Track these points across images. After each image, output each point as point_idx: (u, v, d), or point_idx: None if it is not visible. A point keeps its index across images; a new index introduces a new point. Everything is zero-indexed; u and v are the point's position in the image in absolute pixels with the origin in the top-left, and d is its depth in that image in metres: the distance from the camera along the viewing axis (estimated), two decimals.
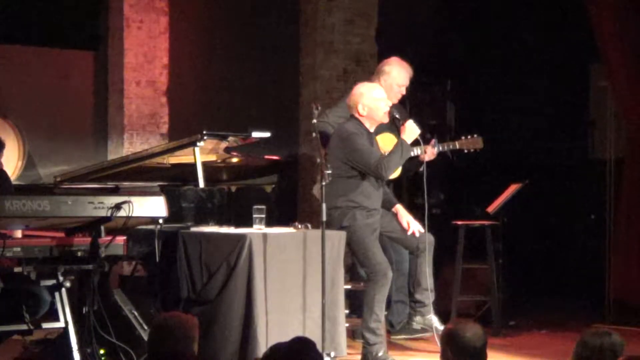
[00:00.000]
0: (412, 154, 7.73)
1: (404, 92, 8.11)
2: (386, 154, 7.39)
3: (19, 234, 6.15)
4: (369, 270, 7.37)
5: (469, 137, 8.22)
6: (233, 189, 7.64)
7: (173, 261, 6.85)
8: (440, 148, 8.11)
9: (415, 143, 7.66)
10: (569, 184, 10.73)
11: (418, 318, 7.75)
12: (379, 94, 7.48)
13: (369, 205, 7.42)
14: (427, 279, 7.68)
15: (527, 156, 10.80)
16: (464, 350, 4.65)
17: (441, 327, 7.54)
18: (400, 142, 7.40)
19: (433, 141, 8.05)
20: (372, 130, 7.51)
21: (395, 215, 7.73)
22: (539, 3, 10.77)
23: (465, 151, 8.25)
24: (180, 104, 10.32)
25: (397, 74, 8.05)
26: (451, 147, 8.22)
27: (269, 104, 10.37)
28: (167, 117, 10.28)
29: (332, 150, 7.45)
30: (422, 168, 7.90)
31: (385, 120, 7.53)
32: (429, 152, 8.00)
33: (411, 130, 7.45)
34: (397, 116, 7.64)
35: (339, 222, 7.27)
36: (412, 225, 7.68)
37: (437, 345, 6.89)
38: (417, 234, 7.67)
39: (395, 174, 7.85)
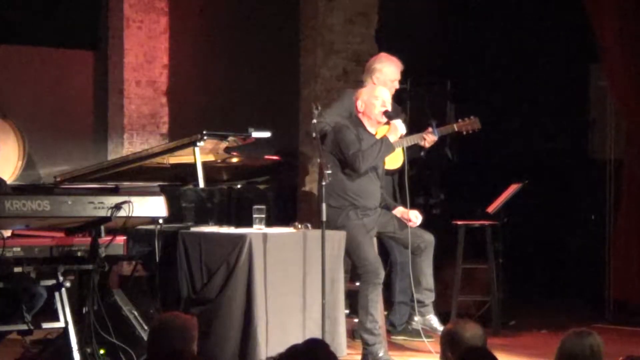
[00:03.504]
0: (411, 142, 7.78)
1: (397, 86, 8.14)
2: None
3: (8, 233, 6.13)
4: (361, 270, 7.37)
5: (466, 119, 8.25)
6: (233, 189, 7.65)
7: (173, 261, 6.85)
8: (439, 133, 8.13)
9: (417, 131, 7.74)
10: (569, 184, 10.72)
11: (418, 318, 7.74)
12: (379, 93, 7.51)
13: (364, 205, 7.43)
14: (427, 278, 7.68)
15: (527, 156, 10.80)
16: (464, 350, 4.64)
17: (441, 328, 7.52)
18: (382, 139, 7.44)
19: (431, 127, 8.06)
20: (371, 129, 7.52)
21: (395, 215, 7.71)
22: (538, 3, 10.76)
23: (464, 133, 8.26)
24: (180, 104, 10.31)
25: (388, 70, 8.11)
26: (449, 130, 8.25)
27: (269, 104, 10.36)
28: (167, 117, 10.28)
29: (327, 144, 7.50)
30: (423, 153, 7.98)
31: (382, 120, 7.53)
32: (429, 139, 8.04)
33: (396, 129, 7.48)
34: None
35: (334, 222, 7.26)
36: (419, 219, 7.63)
37: (437, 346, 6.89)
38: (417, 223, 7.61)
39: (398, 163, 7.87)
